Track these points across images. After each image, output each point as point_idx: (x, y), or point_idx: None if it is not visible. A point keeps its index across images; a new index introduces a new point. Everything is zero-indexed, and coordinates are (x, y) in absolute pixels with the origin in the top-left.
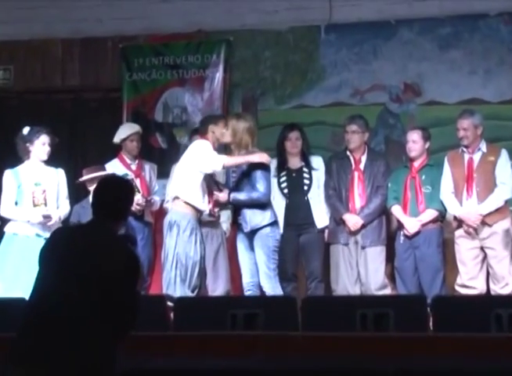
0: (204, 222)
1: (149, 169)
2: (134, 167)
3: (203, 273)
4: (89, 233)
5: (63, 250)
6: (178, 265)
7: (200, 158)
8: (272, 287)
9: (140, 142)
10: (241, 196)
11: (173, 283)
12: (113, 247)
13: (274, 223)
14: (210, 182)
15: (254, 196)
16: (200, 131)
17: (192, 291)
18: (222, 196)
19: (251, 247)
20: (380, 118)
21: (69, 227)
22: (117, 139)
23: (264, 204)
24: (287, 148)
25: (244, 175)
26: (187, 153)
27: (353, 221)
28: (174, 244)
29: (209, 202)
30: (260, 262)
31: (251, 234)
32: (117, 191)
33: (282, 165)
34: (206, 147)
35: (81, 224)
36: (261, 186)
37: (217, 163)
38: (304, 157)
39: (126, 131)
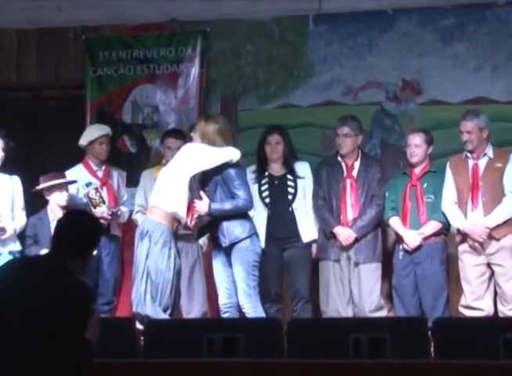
0: (179, 235)
1: (117, 176)
2: (100, 174)
3: (177, 292)
4: (41, 270)
5: (9, 288)
6: (149, 280)
7: (202, 155)
8: (253, 308)
9: (109, 145)
10: (226, 205)
11: (143, 300)
12: (64, 289)
13: (253, 235)
14: (194, 190)
15: (240, 204)
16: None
17: (165, 311)
18: (202, 205)
19: (229, 264)
20: (376, 119)
21: (20, 260)
22: (83, 141)
23: (243, 215)
24: (267, 153)
25: (219, 186)
26: (178, 156)
27: (345, 234)
28: (146, 256)
29: (187, 214)
30: (238, 279)
31: (229, 249)
32: (79, 225)
33: (262, 172)
34: (204, 146)
35: (36, 257)
36: (241, 192)
37: (233, 151)
38: (287, 164)
39: (95, 132)
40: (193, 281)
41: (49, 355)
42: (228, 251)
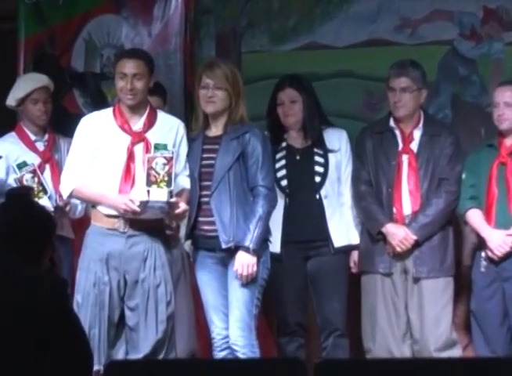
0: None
1: (66, 148)
2: (41, 146)
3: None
4: None
5: None
6: None
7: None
8: (250, 346)
9: (50, 104)
10: (254, 230)
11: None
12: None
13: (266, 240)
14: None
15: (266, 207)
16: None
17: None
18: (182, 207)
19: (224, 278)
20: (445, 66)
21: None
22: (11, 100)
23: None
24: (280, 116)
25: (235, 165)
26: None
27: (400, 235)
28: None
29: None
30: (236, 303)
31: (229, 254)
32: (23, 219)
33: (277, 142)
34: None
35: None
36: (268, 182)
37: None
38: (311, 131)
39: (26, 86)
40: (176, 305)
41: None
42: (224, 260)
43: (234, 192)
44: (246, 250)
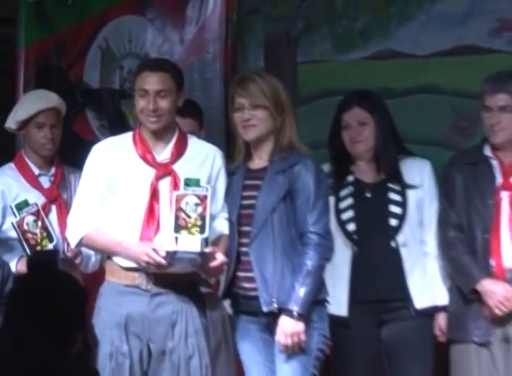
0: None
1: (76, 185)
2: (46, 181)
3: None
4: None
5: None
6: None
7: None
8: None
9: (59, 129)
10: (301, 289)
11: None
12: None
13: (323, 301)
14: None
15: (317, 261)
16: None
17: None
18: (219, 259)
19: (271, 349)
20: None
21: None
22: (11, 121)
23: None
24: (346, 142)
25: (281, 205)
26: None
27: (500, 295)
28: None
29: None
30: None
31: (273, 321)
32: (56, 298)
33: (342, 177)
34: None
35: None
36: (320, 227)
37: None
38: (386, 162)
39: (30, 106)
40: None
41: None
42: (272, 325)
43: (278, 240)
44: (290, 314)
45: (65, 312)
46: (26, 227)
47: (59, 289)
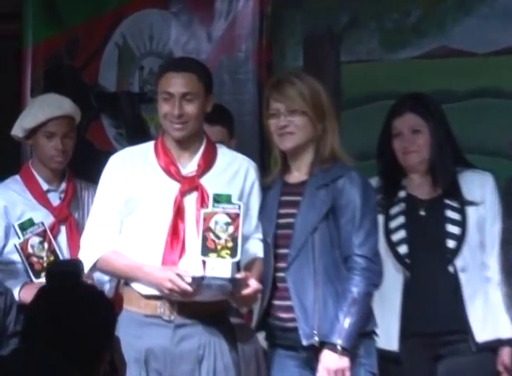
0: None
1: (90, 202)
2: (55, 198)
3: None
4: None
5: None
6: None
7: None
8: None
9: (72, 140)
10: (346, 319)
11: None
12: None
13: (371, 333)
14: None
15: (364, 288)
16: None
17: None
18: (253, 286)
19: None
20: None
21: None
22: (17, 129)
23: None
24: (397, 153)
25: (324, 224)
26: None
27: None
28: None
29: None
30: None
31: (314, 356)
32: (83, 313)
33: (392, 192)
34: None
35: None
36: (368, 249)
37: None
38: (443, 175)
39: (40, 112)
40: None
41: None
42: (313, 360)
43: (320, 263)
44: (333, 348)
45: (92, 331)
46: (30, 250)
47: (84, 305)
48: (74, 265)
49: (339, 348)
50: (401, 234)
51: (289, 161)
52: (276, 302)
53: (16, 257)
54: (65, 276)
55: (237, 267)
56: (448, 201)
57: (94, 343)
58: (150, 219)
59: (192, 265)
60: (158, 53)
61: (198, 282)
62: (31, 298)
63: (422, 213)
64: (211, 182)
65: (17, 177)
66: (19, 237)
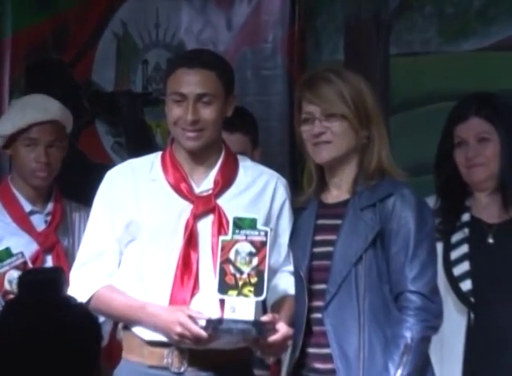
0: None
1: (82, 227)
2: (40, 221)
3: None
4: None
5: None
6: None
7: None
8: None
9: (61, 150)
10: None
11: None
12: None
13: None
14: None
15: (423, 321)
16: None
17: None
18: (281, 331)
19: None
20: None
21: None
22: None
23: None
24: (460, 166)
25: (370, 251)
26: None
27: None
28: None
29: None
30: None
31: None
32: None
33: (454, 214)
34: None
35: None
36: (423, 284)
37: None
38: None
39: (20, 116)
40: None
41: None
42: None
43: (365, 302)
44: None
45: (71, 356)
46: (8, 286)
47: (63, 329)
48: (53, 272)
49: None
50: (464, 267)
51: (326, 177)
52: (311, 350)
53: None
54: (41, 287)
55: (263, 307)
56: None
57: (79, 371)
58: (156, 248)
59: (207, 305)
60: (166, 45)
61: (214, 326)
62: None
63: (490, 241)
64: (231, 203)
65: None
66: None
